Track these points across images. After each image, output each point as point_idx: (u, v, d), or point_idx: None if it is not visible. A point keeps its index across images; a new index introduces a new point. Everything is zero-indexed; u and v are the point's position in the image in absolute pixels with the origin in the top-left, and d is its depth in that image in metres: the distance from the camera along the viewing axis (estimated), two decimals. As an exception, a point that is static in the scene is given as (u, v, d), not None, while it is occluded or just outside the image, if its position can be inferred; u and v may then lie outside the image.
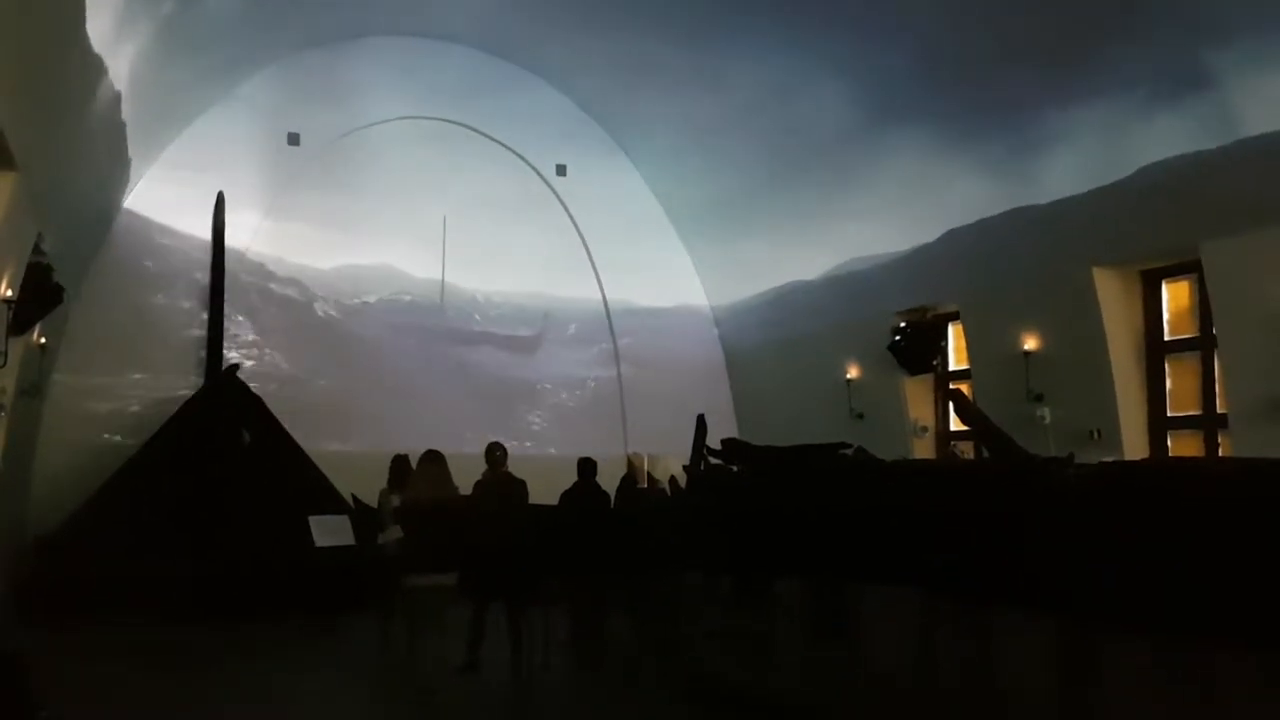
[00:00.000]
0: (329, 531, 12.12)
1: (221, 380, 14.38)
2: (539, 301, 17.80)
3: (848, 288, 15.17)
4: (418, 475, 9.23)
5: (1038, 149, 11.47)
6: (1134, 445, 11.39)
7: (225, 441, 13.45)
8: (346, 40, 16.21)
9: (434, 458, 9.04)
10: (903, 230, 13.81)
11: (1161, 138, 10.19)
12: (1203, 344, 11.18)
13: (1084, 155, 11.07)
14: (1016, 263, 12.42)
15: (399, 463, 10.87)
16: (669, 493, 11.71)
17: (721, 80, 14.59)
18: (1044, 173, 11.57)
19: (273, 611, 11.48)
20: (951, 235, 13.14)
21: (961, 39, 11.26)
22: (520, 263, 17.45)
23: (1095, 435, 11.50)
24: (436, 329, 17.03)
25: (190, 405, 13.98)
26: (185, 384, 14.56)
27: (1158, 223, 10.69)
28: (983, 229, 12.61)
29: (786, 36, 13.06)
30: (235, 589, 11.63)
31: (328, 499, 13.25)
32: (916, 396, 14.81)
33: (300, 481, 13.47)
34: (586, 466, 10.72)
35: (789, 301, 16.54)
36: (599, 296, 18.17)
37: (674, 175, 17.70)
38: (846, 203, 14.46)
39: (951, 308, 14.08)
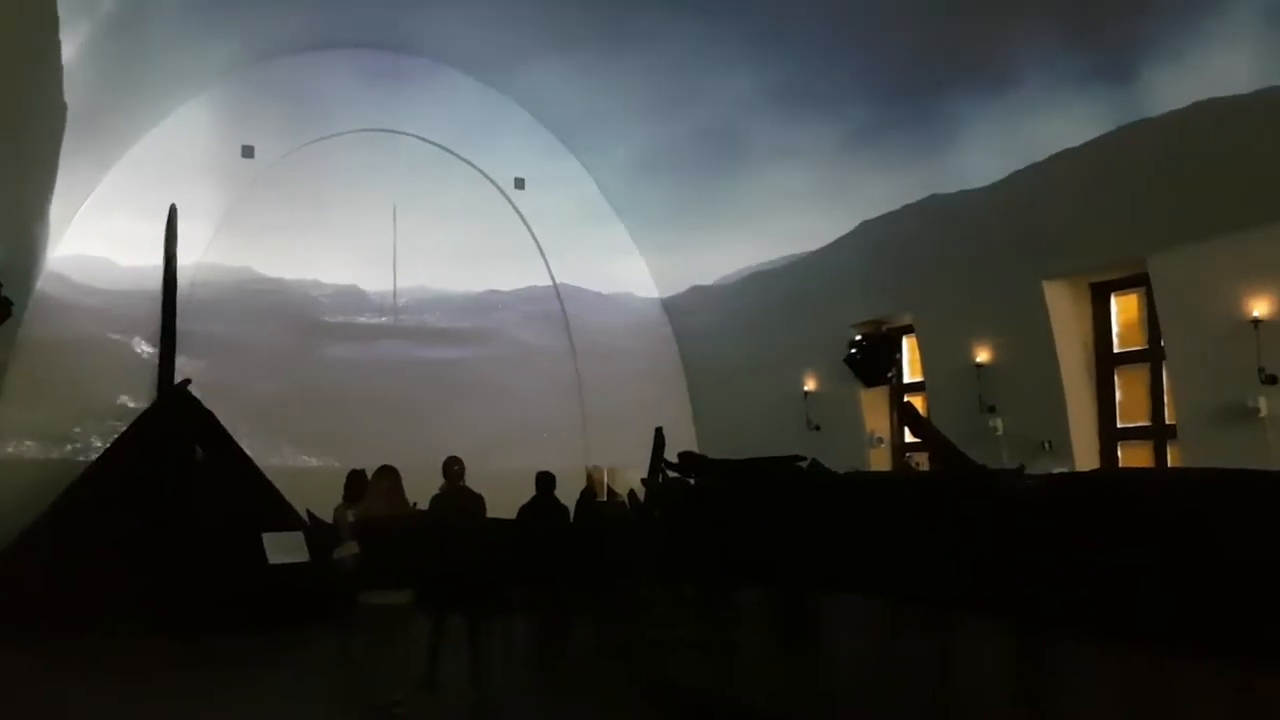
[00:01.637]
0: (283, 548, 11.96)
1: (173, 395, 14.16)
2: (492, 300, 17.93)
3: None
4: (372, 490, 9.13)
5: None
6: (1085, 455, 11.56)
7: (178, 457, 13.25)
8: (304, 52, 16.16)
9: (387, 472, 8.93)
10: (823, 224, 14.29)
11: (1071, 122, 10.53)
12: (1152, 355, 11.38)
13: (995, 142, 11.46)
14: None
15: (354, 477, 10.78)
16: (628, 506, 11.70)
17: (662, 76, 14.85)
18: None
19: (228, 627, 11.33)
20: (867, 226, 13.73)
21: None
22: (474, 263, 17.56)
23: (1047, 446, 11.66)
24: (389, 332, 17.07)
25: (142, 420, 13.74)
26: (137, 399, 14.35)
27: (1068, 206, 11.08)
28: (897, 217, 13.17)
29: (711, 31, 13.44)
30: (189, 605, 11.46)
31: (282, 515, 13.09)
32: (872, 408, 14.95)
33: (254, 497, 13.29)
34: (545, 480, 10.68)
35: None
36: (553, 294, 18.27)
37: (626, 175, 17.85)
38: (772, 197, 14.87)
39: (906, 320, 14.23)
